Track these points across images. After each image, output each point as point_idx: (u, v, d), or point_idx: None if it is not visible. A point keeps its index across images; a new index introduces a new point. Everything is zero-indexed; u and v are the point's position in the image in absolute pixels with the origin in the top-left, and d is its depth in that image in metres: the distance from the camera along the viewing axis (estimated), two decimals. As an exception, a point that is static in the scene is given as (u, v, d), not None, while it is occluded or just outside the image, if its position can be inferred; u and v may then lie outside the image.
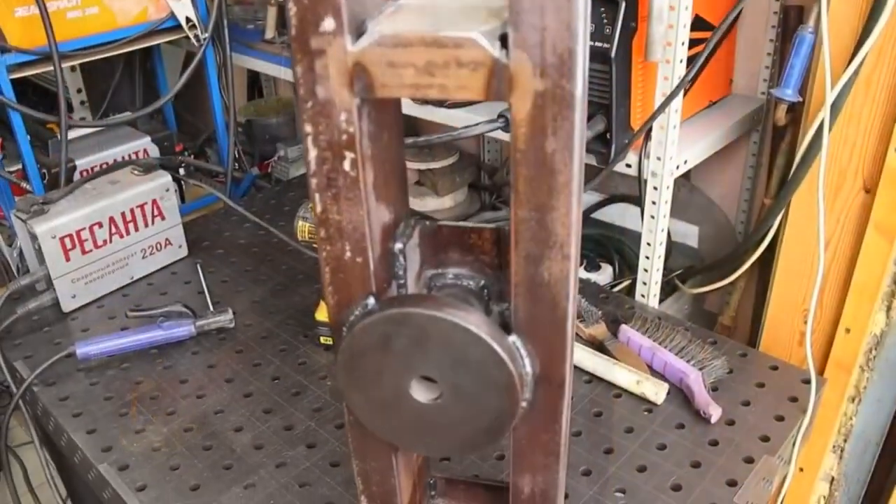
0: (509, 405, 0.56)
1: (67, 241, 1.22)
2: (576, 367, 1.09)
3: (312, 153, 0.53)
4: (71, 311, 1.26)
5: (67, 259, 1.23)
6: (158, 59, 1.85)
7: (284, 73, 1.66)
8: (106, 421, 1.03)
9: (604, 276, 1.50)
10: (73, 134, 1.62)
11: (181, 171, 1.70)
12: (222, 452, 0.97)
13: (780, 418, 1.00)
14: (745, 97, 1.30)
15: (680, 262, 1.46)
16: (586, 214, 1.64)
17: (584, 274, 1.45)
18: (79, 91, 1.88)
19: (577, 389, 1.06)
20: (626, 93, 1.08)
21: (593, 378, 1.08)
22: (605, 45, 1.04)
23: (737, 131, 1.24)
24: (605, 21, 1.05)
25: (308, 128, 0.52)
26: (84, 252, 1.25)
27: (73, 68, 1.83)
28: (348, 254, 0.56)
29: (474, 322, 0.54)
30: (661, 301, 1.33)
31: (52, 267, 1.21)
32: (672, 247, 1.50)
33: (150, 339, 1.15)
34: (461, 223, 0.63)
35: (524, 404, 0.59)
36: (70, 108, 1.66)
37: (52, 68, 1.40)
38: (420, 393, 0.59)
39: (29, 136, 1.45)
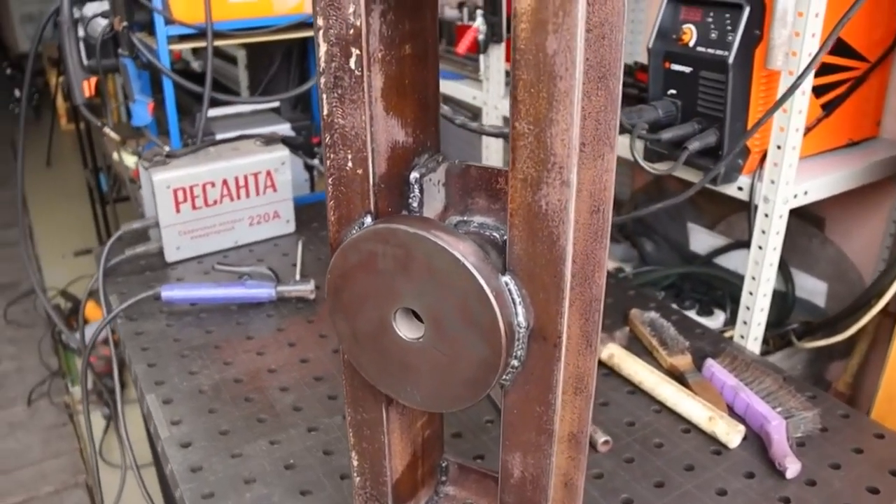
0: (492, 354, 0.51)
1: (180, 193, 1.28)
2: (646, 393, 0.99)
3: (322, 49, 0.51)
4: (173, 262, 1.32)
5: (177, 210, 1.29)
6: (312, 52, 1.94)
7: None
8: (167, 358, 1.06)
9: (715, 322, 1.38)
10: (220, 111, 1.73)
11: (316, 160, 1.75)
12: (261, 406, 0.97)
13: (875, 490, 0.85)
14: (894, 142, 1.16)
15: (802, 319, 1.31)
16: (708, 257, 1.53)
17: (694, 316, 1.34)
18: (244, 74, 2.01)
19: (642, 417, 0.96)
20: (744, 106, 0.99)
21: (663, 409, 0.98)
22: (723, 53, 0.97)
23: (876, 174, 1.10)
24: (727, 27, 0.97)
25: (320, 21, 0.50)
26: (194, 207, 1.31)
27: (234, 57, 1.96)
28: (350, 164, 0.53)
29: (461, 250, 0.50)
30: (766, 353, 1.20)
31: (162, 216, 1.28)
32: (795, 302, 1.36)
33: (230, 294, 1.18)
34: (490, 165, 0.59)
35: (515, 363, 0.54)
36: (221, 88, 1.77)
37: (205, 44, 1.51)
38: (404, 328, 0.54)
39: (179, 107, 1.56)
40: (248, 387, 1.01)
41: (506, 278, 0.51)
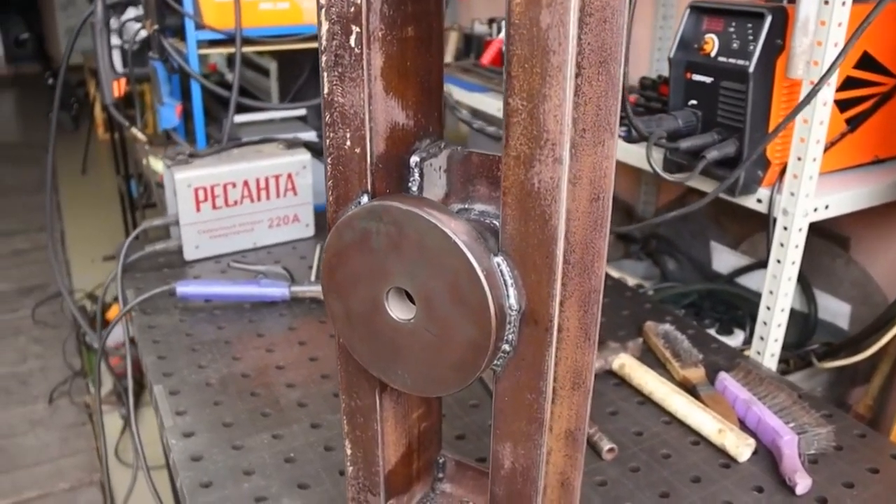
0: (482, 336, 0.50)
1: (201, 192, 1.30)
2: (656, 404, 0.98)
3: (324, 27, 0.51)
4: (191, 261, 1.33)
5: (198, 209, 1.31)
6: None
7: (464, 96, 1.70)
8: (177, 352, 1.07)
9: (734, 341, 1.36)
10: (247, 118, 1.76)
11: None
12: (266, 401, 0.97)
13: (887, 516, 0.82)
14: (925, 161, 1.14)
15: (824, 341, 1.28)
16: (730, 277, 1.51)
17: (712, 333, 1.32)
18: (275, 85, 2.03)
19: (651, 427, 0.94)
20: (764, 116, 0.98)
21: (673, 420, 0.96)
22: (745, 63, 0.96)
23: (903, 191, 1.08)
24: (749, 37, 0.96)
25: (322, -1, 0.51)
26: (214, 207, 1.32)
27: (266, 69, 1.99)
28: (348, 143, 0.54)
29: (453, 228, 0.49)
30: (785, 373, 1.17)
31: (183, 214, 1.30)
32: (817, 323, 1.33)
33: (244, 292, 1.19)
34: (492, 153, 0.59)
35: (506, 347, 0.53)
36: (251, 97, 1.79)
37: (234, 49, 1.53)
38: (395, 308, 0.54)
39: (208, 113, 1.58)
40: (255, 382, 1.01)
41: (498, 259, 0.51)
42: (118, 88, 1.55)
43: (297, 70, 1.98)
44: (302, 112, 1.82)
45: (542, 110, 0.45)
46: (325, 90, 0.53)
